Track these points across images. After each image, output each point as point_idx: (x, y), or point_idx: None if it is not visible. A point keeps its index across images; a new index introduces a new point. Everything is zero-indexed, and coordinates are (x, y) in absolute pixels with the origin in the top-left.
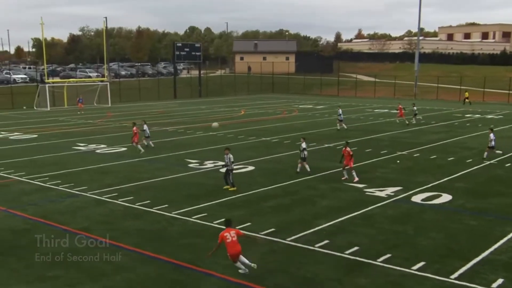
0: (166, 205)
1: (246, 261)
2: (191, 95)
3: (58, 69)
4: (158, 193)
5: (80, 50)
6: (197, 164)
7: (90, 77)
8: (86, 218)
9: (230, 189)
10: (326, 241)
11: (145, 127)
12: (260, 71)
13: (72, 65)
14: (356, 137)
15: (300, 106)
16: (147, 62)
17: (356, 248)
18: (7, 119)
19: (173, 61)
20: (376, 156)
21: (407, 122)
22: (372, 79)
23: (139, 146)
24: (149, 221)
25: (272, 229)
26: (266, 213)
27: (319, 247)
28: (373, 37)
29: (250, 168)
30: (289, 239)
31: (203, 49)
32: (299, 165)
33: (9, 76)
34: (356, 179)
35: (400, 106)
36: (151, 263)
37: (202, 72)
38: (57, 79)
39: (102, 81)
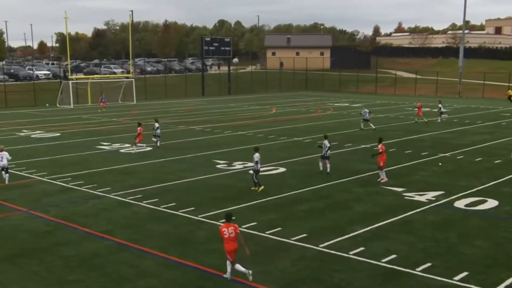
0: (193, 208)
1: (242, 269)
2: (219, 92)
3: (82, 65)
4: (184, 195)
5: (104, 45)
6: (226, 165)
7: (114, 73)
8: (109, 220)
9: (258, 190)
10: (361, 248)
11: (156, 125)
12: (292, 67)
13: (96, 61)
14: (395, 137)
15: (335, 104)
16: (174, 57)
17: (393, 256)
18: (30, 116)
19: (201, 57)
20: (416, 158)
21: (426, 120)
22: (413, 75)
23: (134, 147)
24: (174, 225)
25: (304, 235)
26: (298, 218)
27: (354, 254)
28: (414, 30)
29: (281, 169)
30: (321, 245)
31: (233, 44)
32: (321, 163)
33: (32, 72)
34: (384, 179)
35: (419, 103)
36: (176, 268)
37: (231, 68)
38: (80, 75)
39: (127, 77)
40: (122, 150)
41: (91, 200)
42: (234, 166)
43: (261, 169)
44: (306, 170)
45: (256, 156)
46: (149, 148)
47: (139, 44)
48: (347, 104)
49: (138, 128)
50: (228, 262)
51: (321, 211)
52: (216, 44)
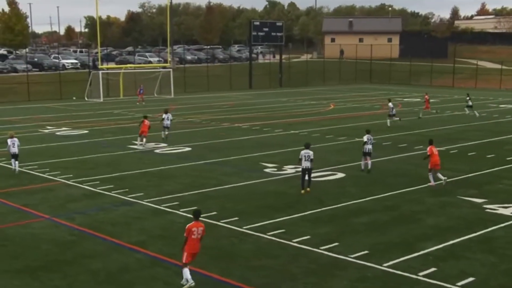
0: (236, 218)
1: (188, 276)
2: (269, 85)
3: (114, 53)
4: (227, 203)
5: (139, 31)
6: (275, 169)
7: (150, 62)
8: (141, 230)
9: (306, 191)
10: (432, 269)
11: (164, 116)
12: (355, 56)
13: (129, 49)
14: (476, 138)
15: (405, 99)
16: (218, 45)
17: (470, 279)
18: (54, 111)
19: (249, 44)
20: (500, 164)
21: (435, 111)
22: (498, 66)
23: (138, 139)
24: (215, 237)
25: (365, 252)
26: (357, 232)
27: (424, 276)
28: (500, 13)
29: (340, 175)
30: (385, 264)
31: (286, 29)
32: (363, 162)
33: (57, 61)
34: (432, 183)
35: (426, 96)
36: (218, 287)
37: (284, 56)
38: (112, 65)
39: (164, 67)
40: (157, 151)
41: (121, 206)
42: (285, 170)
43: (316, 174)
44: (369, 176)
45: (306, 152)
46: (187, 149)
47: (178, 29)
48: (419, 100)
49: (145, 121)
50: (184, 269)
51: (385, 224)
52: (267, 29)
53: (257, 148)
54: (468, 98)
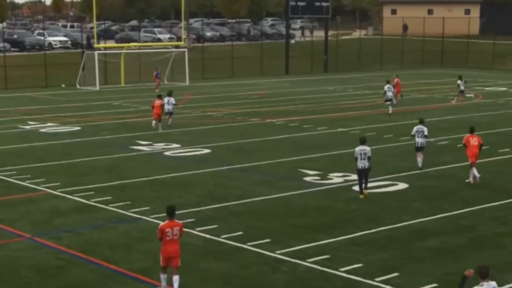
0: (268, 240)
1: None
2: (311, 69)
3: (114, 28)
4: (256, 220)
5: (146, 1)
6: (318, 178)
7: (160, 40)
8: (146, 254)
9: (364, 194)
10: None
11: (166, 100)
12: (422, 32)
13: (133, 23)
14: None
15: (486, 88)
16: (246, 18)
17: None
18: (39, 102)
19: (285, 17)
20: None
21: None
22: None
23: (153, 122)
24: (240, 263)
25: (433, 285)
26: (423, 259)
27: None
28: None
29: (401, 185)
30: None
31: None
32: (418, 157)
33: (43, 38)
34: (471, 179)
35: (397, 79)
36: None
37: (330, 33)
38: (111, 44)
39: (177, 46)
40: (167, 153)
41: (121, 224)
42: (331, 179)
43: (372, 185)
44: (438, 188)
45: (362, 149)
46: (206, 151)
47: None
48: (505, 89)
49: (156, 102)
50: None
51: (459, 249)
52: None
53: (295, 150)
54: (459, 82)
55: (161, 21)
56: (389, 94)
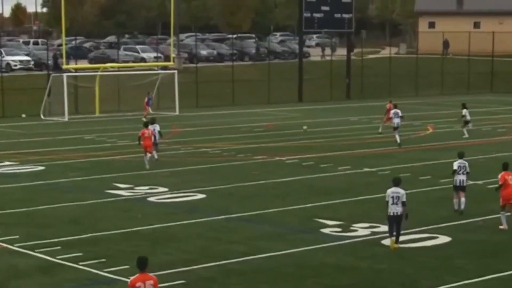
0: None
1: None
2: (331, 96)
3: (87, 45)
4: (261, 282)
5: (127, 11)
6: (338, 229)
7: (144, 60)
8: None
9: (394, 246)
10: None
11: (150, 128)
12: (467, 50)
13: (111, 39)
14: None
15: None
16: (250, 33)
17: None
18: None
19: (298, 31)
20: None
21: (380, 131)
22: None
23: (146, 158)
24: None
25: None
26: None
27: None
28: None
29: (442, 239)
30: None
31: (357, 8)
32: (455, 199)
33: None
34: (504, 226)
35: (390, 104)
36: None
37: (354, 51)
38: (83, 64)
39: (165, 67)
40: (152, 198)
41: (94, 286)
42: (354, 230)
43: (406, 238)
44: (487, 242)
45: (395, 192)
46: (200, 196)
47: (187, 8)
48: None
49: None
50: None
51: None
52: (327, 8)
53: (310, 195)
54: (464, 111)
55: (145, 37)
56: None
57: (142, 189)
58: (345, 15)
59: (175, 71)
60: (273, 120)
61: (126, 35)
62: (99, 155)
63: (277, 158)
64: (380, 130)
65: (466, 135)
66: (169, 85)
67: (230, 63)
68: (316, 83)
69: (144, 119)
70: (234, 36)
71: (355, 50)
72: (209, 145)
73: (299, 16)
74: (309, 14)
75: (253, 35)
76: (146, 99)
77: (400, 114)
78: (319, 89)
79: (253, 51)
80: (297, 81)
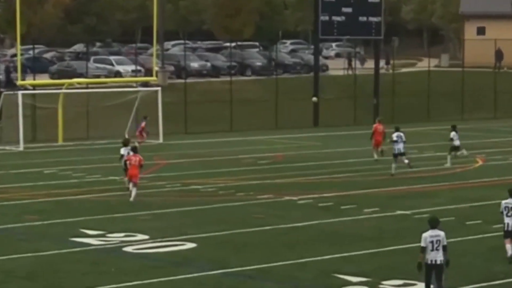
0: None
1: None
2: (354, 119)
3: (48, 55)
4: None
5: (98, 14)
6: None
7: (119, 74)
8: None
9: None
10: None
11: (123, 151)
12: None
13: (78, 47)
14: None
15: None
16: (252, 40)
17: None
18: None
19: (314, 39)
20: None
21: (376, 157)
22: None
23: (132, 193)
24: None
25: None
26: None
27: None
28: None
29: None
30: None
31: (387, 11)
32: (508, 244)
33: None
34: None
35: (378, 125)
36: None
37: (383, 64)
38: (44, 79)
39: (146, 83)
40: (129, 248)
41: None
42: None
43: None
44: None
45: (434, 235)
46: (189, 245)
47: (174, 10)
48: None
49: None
50: None
51: None
52: (349, 10)
53: (328, 244)
54: (453, 133)
55: (121, 45)
56: (398, 146)
57: (116, 237)
58: (373, 19)
59: (159, 88)
60: (282, 150)
61: (98, 43)
62: (62, 193)
63: (287, 198)
64: (376, 156)
65: (448, 164)
66: (151, 106)
67: (227, 78)
68: (336, 103)
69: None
70: (233, 44)
71: (383, 64)
72: (201, 181)
73: (314, 19)
74: (327, 17)
75: (257, 43)
76: (142, 125)
77: (404, 139)
78: (339, 111)
79: (257, 63)
80: (311, 101)
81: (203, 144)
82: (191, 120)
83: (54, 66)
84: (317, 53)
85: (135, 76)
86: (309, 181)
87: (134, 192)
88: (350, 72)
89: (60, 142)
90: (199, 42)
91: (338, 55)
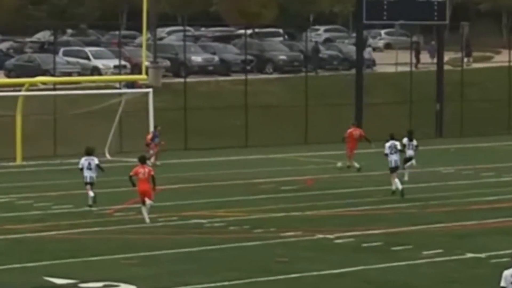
0: None
1: None
2: (423, 134)
3: (3, 47)
4: None
5: None
6: None
7: (97, 71)
8: None
9: None
10: None
11: (83, 162)
12: None
13: (43, 36)
14: None
15: None
16: (274, 26)
17: None
18: None
19: (356, 24)
20: None
21: (347, 165)
22: None
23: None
24: None
25: None
26: None
27: None
28: None
29: None
30: None
31: None
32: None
33: None
34: None
35: (353, 129)
36: None
37: (448, 57)
38: None
39: (132, 84)
40: None
41: None
42: None
43: None
44: None
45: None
46: None
47: None
48: None
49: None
50: None
51: None
52: None
53: None
54: (404, 140)
55: (99, 33)
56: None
57: (92, 287)
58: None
59: (150, 90)
60: (313, 172)
61: (68, 31)
62: (20, 229)
63: (320, 236)
64: (339, 164)
65: (405, 178)
66: (139, 114)
67: (241, 77)
68: (385, 110)
69: (151, 160)
70: (249, 31)
71: (450, 55)
72: (206, 213)
73: (356, 1)
74: None
75: (280, 31)
76: (149, 136)
77: (399, 147)
78: (389, 120)
79: (281, 56)
80: (353, 107)
81: (208, 164)
82: (193, 132)
83: (11, 61)
84: (360, 43)
85: (119, 74)
86: (348, 213)
87: (147, 211)
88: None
89: (19, 162)
90: (203, 29)
91: (388, 46)
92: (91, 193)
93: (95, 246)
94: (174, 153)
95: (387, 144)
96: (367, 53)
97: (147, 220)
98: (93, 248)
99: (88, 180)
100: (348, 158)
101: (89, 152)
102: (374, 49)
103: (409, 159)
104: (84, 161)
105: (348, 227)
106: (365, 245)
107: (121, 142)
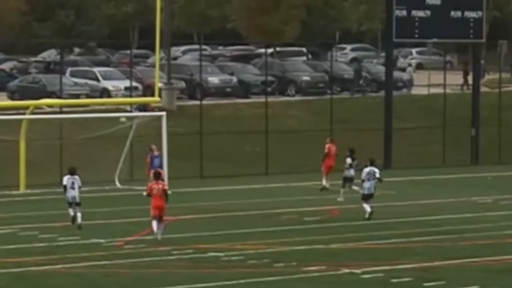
0: None
1: None
2: (443, 157)
3: (6, 66)
4: None
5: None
6: None
7: (107, 92)
8: None
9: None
10: None
11: (66, 181)
12: None
13: (49, 55)
14: None
15: None
16: (297, 45)
17: None
18: None
19: (385, 42)
20: None
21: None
22: None
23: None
24: None
25: None
26: None
27: None
28: None
29: None
30: None
31: (490, 4)
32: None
33: None
34: None
35: (329, 144)
36: None
37: (486, 78)
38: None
39: (144, 107)
40: None
41: None
42: None
43: None
44: None
45: None
46: None
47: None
48: None
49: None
50: None
51: None
52: (436, 2)
53: None
54: (348, 159)
55: (109, 52)
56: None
57: None
58: (470, 14)
59: (164, 113)
60: (338, 202)
61: (76, 49)
62: (24, 263)
63: (346, 271)
64: (340, 199)
65: (341, 199)
66: (152, 139)
67: (261, 99)
68: (417, 135)
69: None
70: (270, 50)
71: (486, 76)
72: (223, 246)
73: (386, 15)
74: (404, 12)
75: (304, 50)
76: (148, 157)
77: (377, 175)
78: (421, 146)
79: (304, 77)
80: (381, 132)
81: (225, 193)
82: (209, 158)
83: (15, 82)
84: (390, 62)
85: (130, 96)
86: (377, 246)
87: (160, 229)
88: (465, 89)
89: (22, 190)
90: (220, 48)
91: (420, 66)
92: (71, 212)
93: (103, 281)
94: (189, 181)
95: (366, 170)
96: (407, 73)
97: (159, 237)
98: (101, 284)
99: (70, 200)
100: (325, 175)
101: (72, 172)
102: (404, 70)
103: (351, 179)
104: (67, 180)
105: (376, 261)
106: (394, 280)
107: (132, 169)
